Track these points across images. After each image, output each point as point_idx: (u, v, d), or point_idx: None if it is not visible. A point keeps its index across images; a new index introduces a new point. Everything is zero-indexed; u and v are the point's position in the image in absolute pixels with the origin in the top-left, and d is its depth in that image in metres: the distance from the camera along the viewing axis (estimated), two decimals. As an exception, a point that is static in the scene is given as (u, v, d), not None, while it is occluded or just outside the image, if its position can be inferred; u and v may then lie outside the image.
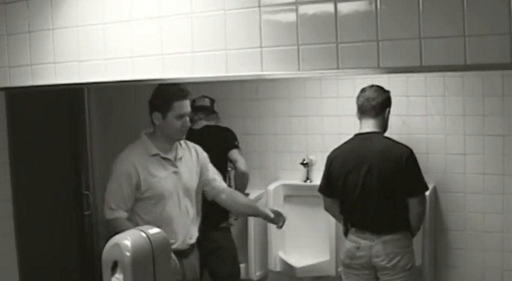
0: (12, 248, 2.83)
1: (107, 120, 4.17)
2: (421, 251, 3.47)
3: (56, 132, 3.77)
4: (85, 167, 4.05)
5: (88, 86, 2.46)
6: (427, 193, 3.20)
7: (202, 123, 3.81)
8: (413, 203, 3.10)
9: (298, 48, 1.96)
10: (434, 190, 3.64)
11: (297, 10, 1.96)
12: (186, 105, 2.96)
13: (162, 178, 2.93)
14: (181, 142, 3.08)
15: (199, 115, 3.81)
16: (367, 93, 3.19)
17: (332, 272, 3.73)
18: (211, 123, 3.84)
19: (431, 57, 1.79)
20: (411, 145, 3.14)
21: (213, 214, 3.37)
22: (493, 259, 3.57)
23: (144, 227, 1.90)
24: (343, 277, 3.27)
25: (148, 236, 1.85)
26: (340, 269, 3.33)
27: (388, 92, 3.23)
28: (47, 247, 3.60)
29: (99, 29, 2.32)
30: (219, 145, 3.67)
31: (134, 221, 2.87)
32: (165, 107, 2.92)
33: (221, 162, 3.58)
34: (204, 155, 3.16)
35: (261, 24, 2.02)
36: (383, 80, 3.33)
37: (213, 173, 3.17)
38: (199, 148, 3.15)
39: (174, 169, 2.97)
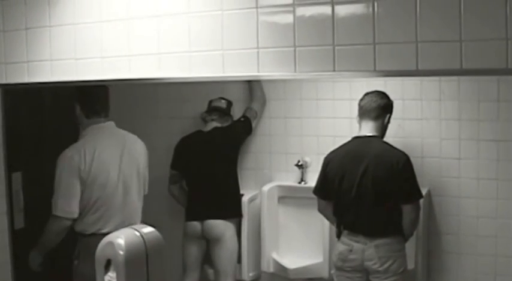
0: (6, 245, 2.83)
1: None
2: (414, 254, 3.46)
3: (52, 129, 3.75)
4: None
5: (84, 84, 2.45)
6: (421, 197, 3.21)
7: (212, 124, 3.76)
8: (407, 209, 3.10)
9: (295, 50, 1.97)
10: (429, 193, 3.63)
11: (294, 12, 1.96)
12: None
13: None
14: None
15: (212, 116, 3.76)
16: (371, 95, 3.22)
17: (325, 274, 3.72)
18: (224, 125, 3.78)
19: (428, 61, 1.80)
20: (406, 149, 3.14)
21: None
22: (486, 264, 3.57)
23: (137, 226, 1.90)
24: (335, 279, 3.27)
25: (142, 235, 1.85)
26: (332, 271, 3.33)
27: (391, 100, 3.25)
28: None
29: (96, 27, 2.32)
30: (231, 138, 3.63)
31: None
32: None
33: (232, 161, 3.55)
34: None
35: (258, 25, 2.02)
36: (379, 83, 3.34)
37: None
38: None
39: None
